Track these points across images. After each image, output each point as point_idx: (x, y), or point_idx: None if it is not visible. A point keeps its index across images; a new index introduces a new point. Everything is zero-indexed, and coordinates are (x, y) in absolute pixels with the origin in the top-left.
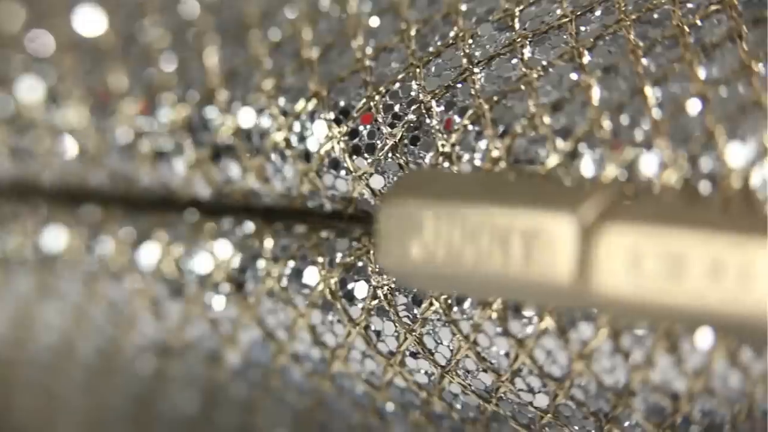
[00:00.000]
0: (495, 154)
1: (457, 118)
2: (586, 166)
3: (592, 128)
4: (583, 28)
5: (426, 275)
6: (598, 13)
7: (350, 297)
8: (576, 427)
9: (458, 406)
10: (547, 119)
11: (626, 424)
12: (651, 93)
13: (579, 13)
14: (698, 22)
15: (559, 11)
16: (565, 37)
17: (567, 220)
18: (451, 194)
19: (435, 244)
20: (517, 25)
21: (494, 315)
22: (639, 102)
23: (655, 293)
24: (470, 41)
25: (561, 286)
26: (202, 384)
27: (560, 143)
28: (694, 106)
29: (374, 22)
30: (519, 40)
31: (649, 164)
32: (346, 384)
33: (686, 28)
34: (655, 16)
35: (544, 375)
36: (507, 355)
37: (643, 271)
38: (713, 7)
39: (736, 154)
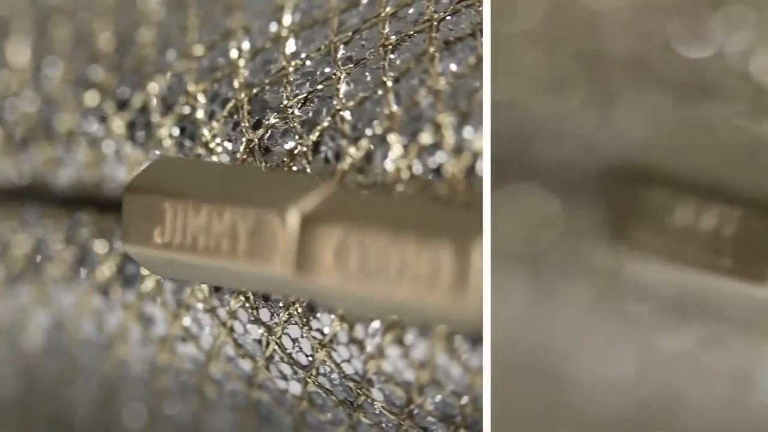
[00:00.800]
0: (249, 145)
1: (218, 110)
2: (326, 158)
3: (335, 120)
4: (346, 23)
5: (166, 262)
6: (361, 7)
7: (126, 282)
8: (329, 415)
9: (227, 392)
10: (297, 111)
11: (371, 412)
12: (391, 86)
13: (345, 7)
14: (447, 17)
15: (327, 5)
16: (327, 31)
17: (286, 211)
18: (193, 184)
19: (173, 232)
20: (285, 20)
21: (246, 303)
22: (380, 95)
23: (371, 289)
24: (241, 34)
25: (280, 277)
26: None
27: (305, 135)
28: (426, 99)
29: (161, 11)
30: (285, 34)
31: (382, 157)
32: (131, 366)
33: (435, 24)
34: (411, 11)
35: (293, 362)
36: (259, 342)
37: (358, 266)
38: (463, 3)
39: (460, 148)
